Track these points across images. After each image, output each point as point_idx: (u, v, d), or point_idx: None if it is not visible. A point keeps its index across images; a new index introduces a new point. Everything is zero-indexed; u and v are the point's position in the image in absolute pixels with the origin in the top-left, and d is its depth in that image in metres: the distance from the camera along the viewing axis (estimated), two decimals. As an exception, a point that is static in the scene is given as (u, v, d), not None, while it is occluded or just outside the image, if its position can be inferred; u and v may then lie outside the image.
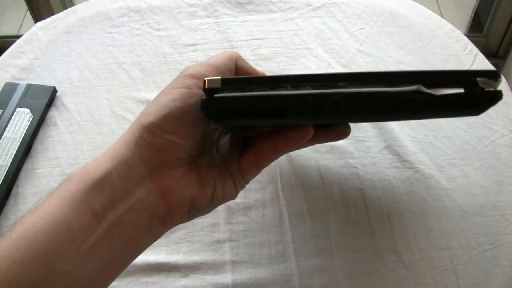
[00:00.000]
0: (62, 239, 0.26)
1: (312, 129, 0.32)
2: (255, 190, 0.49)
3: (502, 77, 0.58)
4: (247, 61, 0.36)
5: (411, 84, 0.27)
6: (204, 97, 0.30)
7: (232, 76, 0.32)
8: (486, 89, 0.26)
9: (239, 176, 0.34)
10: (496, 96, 0.27)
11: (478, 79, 0.26)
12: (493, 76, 0.27)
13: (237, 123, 0.31)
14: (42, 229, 0.26)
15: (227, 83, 0.29)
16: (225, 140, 0.36)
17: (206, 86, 0.30)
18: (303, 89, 0.28)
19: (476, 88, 0.26)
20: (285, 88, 0.28)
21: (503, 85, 0.58)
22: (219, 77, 0.29)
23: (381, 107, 0.27)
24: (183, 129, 0.30)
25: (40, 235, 0.26)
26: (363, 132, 0.53)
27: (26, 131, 0.54)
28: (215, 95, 0.29)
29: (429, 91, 0.26)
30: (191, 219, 0.33)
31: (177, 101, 0.30)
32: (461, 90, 0.26)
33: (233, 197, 0.35)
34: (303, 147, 0.40)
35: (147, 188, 0.30)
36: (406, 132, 0.53)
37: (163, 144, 0.30)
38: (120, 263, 0.30)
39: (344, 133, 0.38)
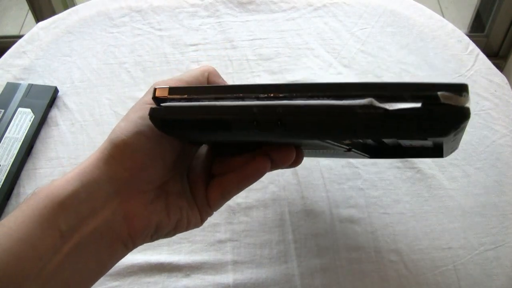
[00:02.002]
0: (28, 258, 0.26)
1: (268, 160, 0.31)
2: (256, 190, 0.49)
3: (504, 78, 0.59)
4: (221, 75, 0.35)
5: (363, 97, 0.24)
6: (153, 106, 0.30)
7: (182, 85, 0.30)
8: (448, 105, 0.23)
9: (206, 205, 0.33)
10: (461, 113, 0.22)
11: (439, 93, 0.23)
12: (457, 90, 0.23)
13: (185, 134, 0.30)
14: (7, 248, 0.26)
15: (175, 92, 0.28)
16: (195, 165, 0.35)
17: (155, 95, 0.29)
18: (248, 100, 0.26)
19: (436, 103, 0.23)
20: (231, 99, 0.27)
21: (504, 85, 0.58)
22: (168, 86, 0.29)
23: (330, 123, 0.24)
24: (153, 148, 0.29)
25: (5, 254, 0.26)
26: (364, 132, 0.53)
27: (28, 131, 0.54)
28: (161, 104, 0.28)
29: (382, 105, 0.23)
30: (153, 241, 0.33)
31: (146, 118, 0.29)
32: (418, 105, 0.23)
33: (199, 225, 0.34)
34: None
35: (113, 209, 0.29)
36: (407, 132, 0.53)
37: (132, 163, 0.29)
38: (83, 282, 0.29)
39: (286, 157, 0.32)
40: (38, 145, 0.54)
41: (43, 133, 0.55)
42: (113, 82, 0.60)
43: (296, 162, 0.33)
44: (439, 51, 0.62)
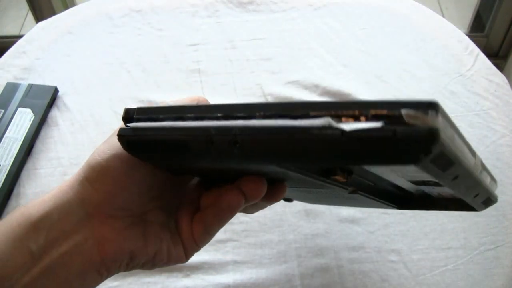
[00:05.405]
0: None
1: (240, 194, 0.28)
2: (256, 190, 0.49)
3: (504, 78, 0.59)
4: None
5: (322, 117, 0.21)
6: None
7: (151, 106, 0.28)
8: (414, 125, 0.19)
9: (191, 240, 0.31)
10: (425, 135, 0.19)
11: (403, 111, 0.19)
12: (424, 108, 0.19)
13: (151, 157, 0.28)
14: None
15: (143, 113, 0.27)
16: (185, 198, 0.33)
17: (123, 115, 0.27)
18: (208, 120, 0.24)
19: (400, 123, 0.19)
20: (193, 119, 0.25)
21: (504, 85, 0.58)
22: (136, 107, 0.27)
23: (284, 145, 0.22)
24: (127, 173, 0.28)
25: None
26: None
27: (28, 131, 0.54)
28: (128, 124, 0.27)
29: (339, 125, 0.20)
30: (130, 270, 0.31)
31: None
32: (378, 125, 0.20)
33: (183, 261, 0.32)
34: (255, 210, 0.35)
35: (85, 233, 0.28)
36: (407, 132, 0.53)
37: (104, 186, 0.28)
38: None
39: (255, 188, 0.29)
40: (38, 145, 0.54)
41: (43, 133, 0.55)
42: (113, 82, 0.60)
43: (274, 196, 0.30)
44: (439, 51, 0.62)
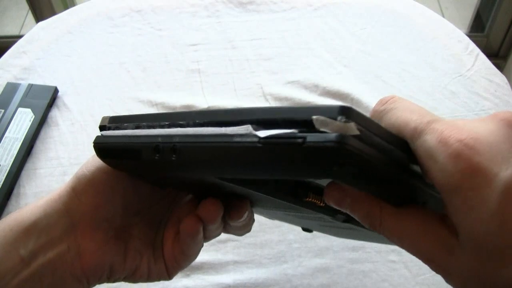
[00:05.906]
0: None
1: (196, 219, 0.28)
2: (256, 190, 0.49)
3: (504, 78, 0.59)
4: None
5: (243, 124, 0.21)
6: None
7: (123, 115, 0.28)
8: (322, 132, 0.18)
9: (172, 259, 0.31)
10: (333, 142, 0.17)
11: (314, 117, 0.18)
12: (333, 113, 0.18)
13: (119, 165, 0.28)
14: None
15: (114, 121, 0.28)
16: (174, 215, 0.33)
17: (100, 123, 0.28)
18: (159, 128, 0.25)
19: (312, 130, 0.18)
20: (148, 127, 0.25)
21: (504, 85, 0.58)
22: (109, 115, 0.28)
23: (211, 153, 0.22)
24: (111, 186, 0.29)
25: None
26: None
27: (28, 131, 0.54)
28: (101, 133, 0.28)
29: (256, 132, 0.20)
30: (112, 282, 0.31)
31: None
32: (289, 131, 0.19)
33: (166, 279, 0.32)
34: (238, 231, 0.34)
35: (69, 243, 0.29)
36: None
37: (88, 197, 0.29)
38: None
39: (208, 211, 0.29)
40: (38, 145, 0.54)
41: (43, 133, 0.55)
42: (113, 82, 0.60)
43: (236, 214, 0.30)
44: (439, 50, 0.62)
